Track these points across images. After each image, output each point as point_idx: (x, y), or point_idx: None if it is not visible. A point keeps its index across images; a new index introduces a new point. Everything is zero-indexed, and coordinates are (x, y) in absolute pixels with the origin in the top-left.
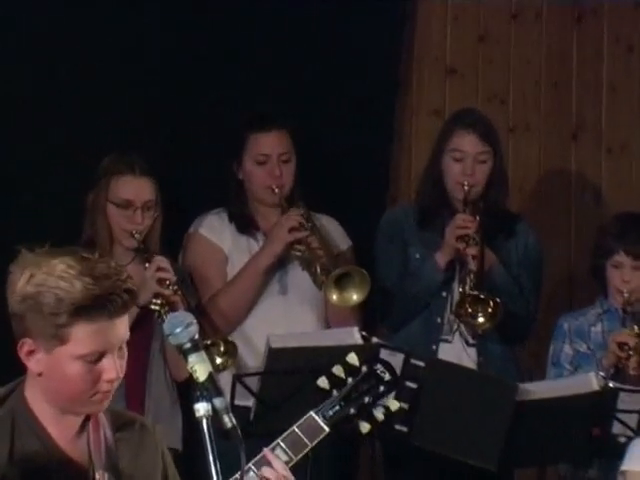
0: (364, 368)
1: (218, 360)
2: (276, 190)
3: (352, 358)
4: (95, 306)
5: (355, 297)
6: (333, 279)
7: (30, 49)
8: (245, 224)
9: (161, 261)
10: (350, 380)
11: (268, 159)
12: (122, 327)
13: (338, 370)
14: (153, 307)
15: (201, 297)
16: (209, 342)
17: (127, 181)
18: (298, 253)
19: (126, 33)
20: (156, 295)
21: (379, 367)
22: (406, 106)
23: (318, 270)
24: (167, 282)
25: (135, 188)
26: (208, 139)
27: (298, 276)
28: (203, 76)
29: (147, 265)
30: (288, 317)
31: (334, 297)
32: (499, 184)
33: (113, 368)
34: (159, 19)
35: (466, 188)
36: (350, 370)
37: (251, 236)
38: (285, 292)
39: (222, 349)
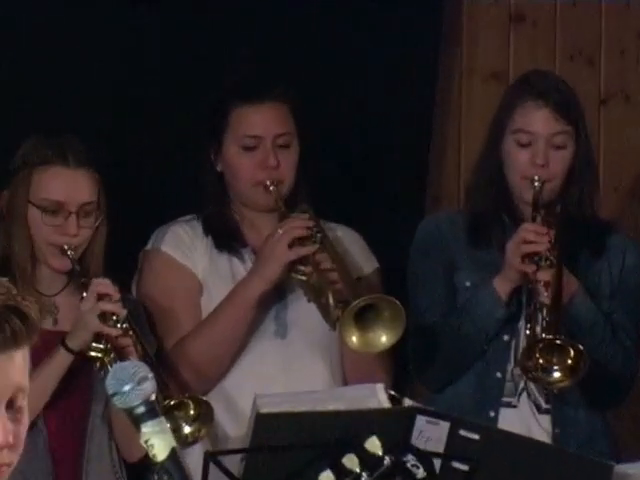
0: (387, 459)
1: (186, 429)
2: (270, 187)
3: (373, 444)
4: None
5: (384, 340)
6: (352, 313)
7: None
8: (226, 237)
9: (105, 286)
10: (366, 476)
11: (259, 143)
12: (14, 369)
13: (350, 461)
14: (93, 354)
15: (163, 341)
16: (173, 402)
17: (56, 175)
18: (302, 277)
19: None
20: (97, 337)
21: (410, 458)
22: (453, 67)
23: (331, 301)
24: (113, 317)
25: (67, 184)
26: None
27: (302, 310)
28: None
29: (84, 294)
30: (288, 370)
31: (354, 339)
32: (584, 179)
33: None
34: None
35: (537, 185)
36: (368, 461)
37: (235, 254)
38: (284, 334)
39: (192, 412)
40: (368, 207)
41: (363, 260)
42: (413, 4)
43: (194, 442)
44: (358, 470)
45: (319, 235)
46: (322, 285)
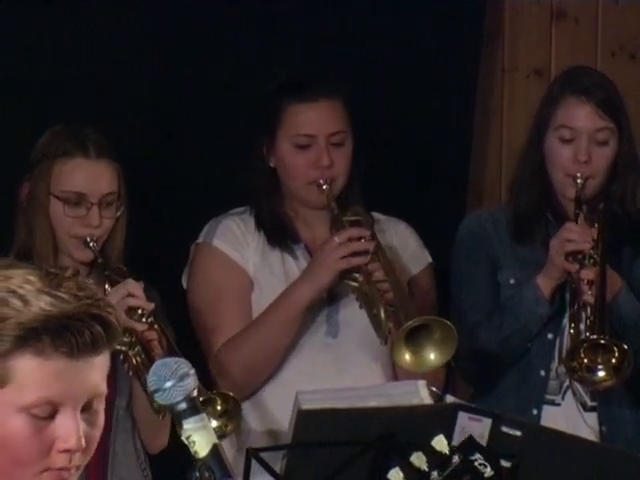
0: (456, 458)
1: (214, 423)
2: (324, 186)
3: (440, 443)
4: (50, 333)
5: (435, 359)
6: (404, 334)
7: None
8: (279, 233)
9: (132, 285)
10: (436, 474)
11: (313, 141)
12: (92, 373)
13: (418, 459)
14: (118, 347)
15: (210, 338)
16: (201, 399)
17: (77, 166)
18: (354, 284)
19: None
20: (123, 330)
21: (478, 457)
22: (495, 64)
23: (382, 314)
24: (139, 312)
25: (89, 176)
26: (225, 107)
27: (354, 311)
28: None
29: (107, 287)
30: (339, 369)
31: (405, 360)
32: (627, 175)
33: (72, 431)
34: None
35: (579, 181)
36: (435, 460)
37: (287, 251)
38: (335, 334)
39: (219, 408)
40: (409, 204)
41: (416, 257)
42: (455, 1)
43: (220, 437)
44: (426, 468)
45: (373, 242)
46: (374, 295)
